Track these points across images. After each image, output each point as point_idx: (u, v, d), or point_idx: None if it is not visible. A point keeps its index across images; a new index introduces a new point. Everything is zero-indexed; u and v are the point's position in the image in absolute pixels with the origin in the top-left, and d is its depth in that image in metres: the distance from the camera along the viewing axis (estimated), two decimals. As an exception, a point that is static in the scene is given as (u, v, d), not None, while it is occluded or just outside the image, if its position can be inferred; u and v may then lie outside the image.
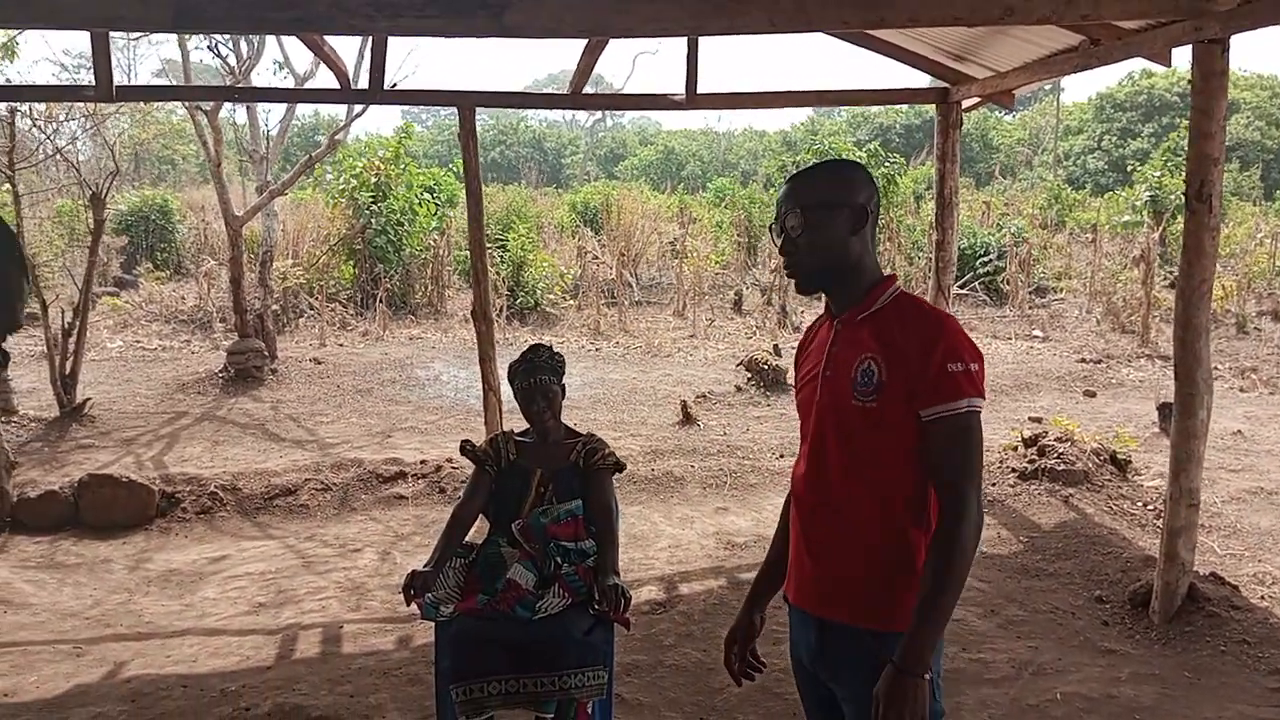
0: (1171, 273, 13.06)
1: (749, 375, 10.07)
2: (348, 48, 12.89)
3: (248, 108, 11.97)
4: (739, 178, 27.25)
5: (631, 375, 10.98)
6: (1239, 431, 8.31)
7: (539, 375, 3.46)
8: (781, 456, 7.49)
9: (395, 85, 7.01)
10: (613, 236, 17.61)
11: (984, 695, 3.93)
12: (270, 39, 11.01)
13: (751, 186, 23.75)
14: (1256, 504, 6.49)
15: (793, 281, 2.17)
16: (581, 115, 53.23)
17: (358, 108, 10.87)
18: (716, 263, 17.10)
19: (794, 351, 2.37)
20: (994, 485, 6.53)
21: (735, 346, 12.50)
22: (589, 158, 45.39)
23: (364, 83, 6.47)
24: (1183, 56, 4.73)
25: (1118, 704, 3.88)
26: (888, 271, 2.16)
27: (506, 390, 3.80)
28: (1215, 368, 10.76)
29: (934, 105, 6.89)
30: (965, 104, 6.78)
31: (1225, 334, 13.18)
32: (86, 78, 10.84)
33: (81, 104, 10.19)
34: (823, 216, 2.06)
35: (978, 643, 4.36)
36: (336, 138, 11.37)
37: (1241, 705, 3.86)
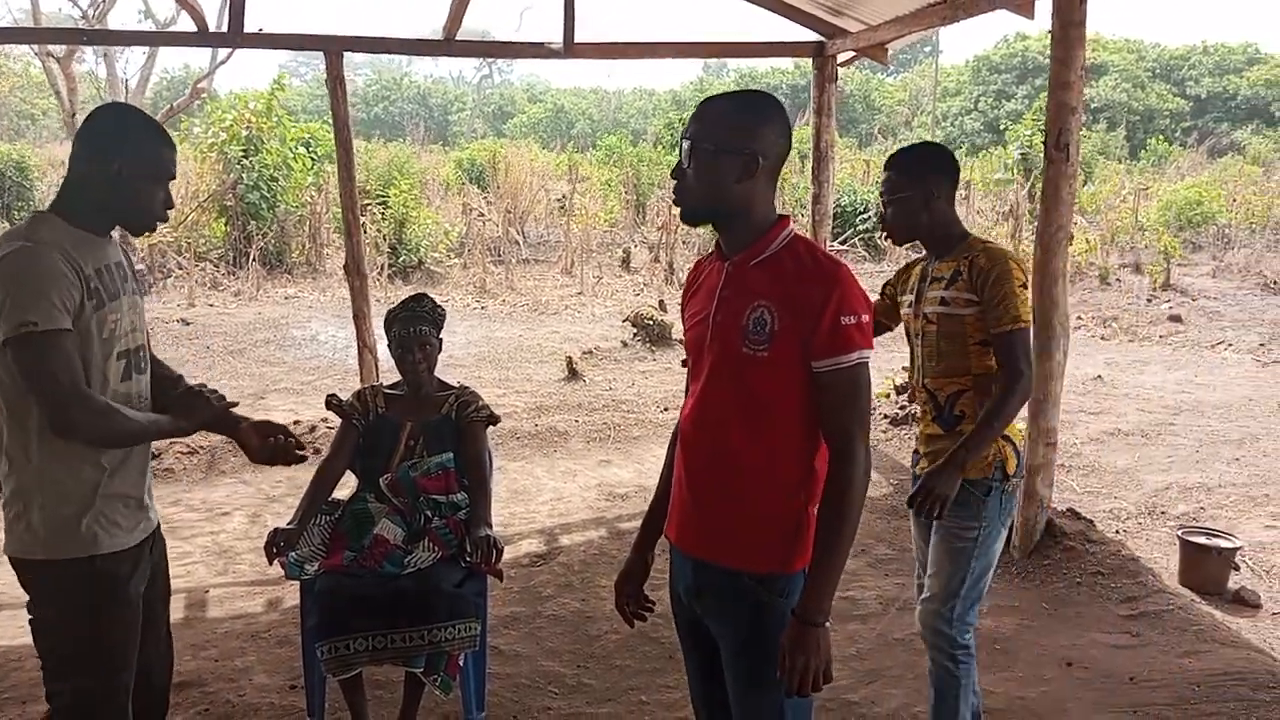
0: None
1: (635, 331, 10.09)
2: (213, -7, 12.28)
3: (106, 59, 11.33)
4: (629, 136, 27.12)
5: (518, 333, 10.88)
6: (1099, 377, 8.73)
7: (418, 325, 3.35)
8: (665, 410, 7.53)
9: (260, 30, 6.69)
10: (500, 194, 17.35)
11: (851, 631, 4.04)
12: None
13: (641, 145, 23.69)
14: (1114, 444, 6.83)
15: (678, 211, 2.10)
16: (468, 71, 52.22)
17: (222, 54, 10.39)
18: (605, 221, 17.04)
19: (680, 306, 2.32)
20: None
21: (623, 303, 12.50)
22: (476, 114, 44.55)
23: (224, 26, 6.15)
24: (1046, 9, 4.85)
25: (979, 635, 3.99)
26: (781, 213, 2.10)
27: (385, 349, 3.68)
28: (1079, 317, 11.34)
29: (810, 60, 6.94)
30: (840, 58, 6.84)
31: (1089, 285, 13.81)
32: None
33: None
34: (710, 159, 1.97)
35: (847, 581, 4.46)
36: (200, 86, 10.84)
37: (1095, 633, 4.06)
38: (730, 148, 1.97)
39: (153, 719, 2.56)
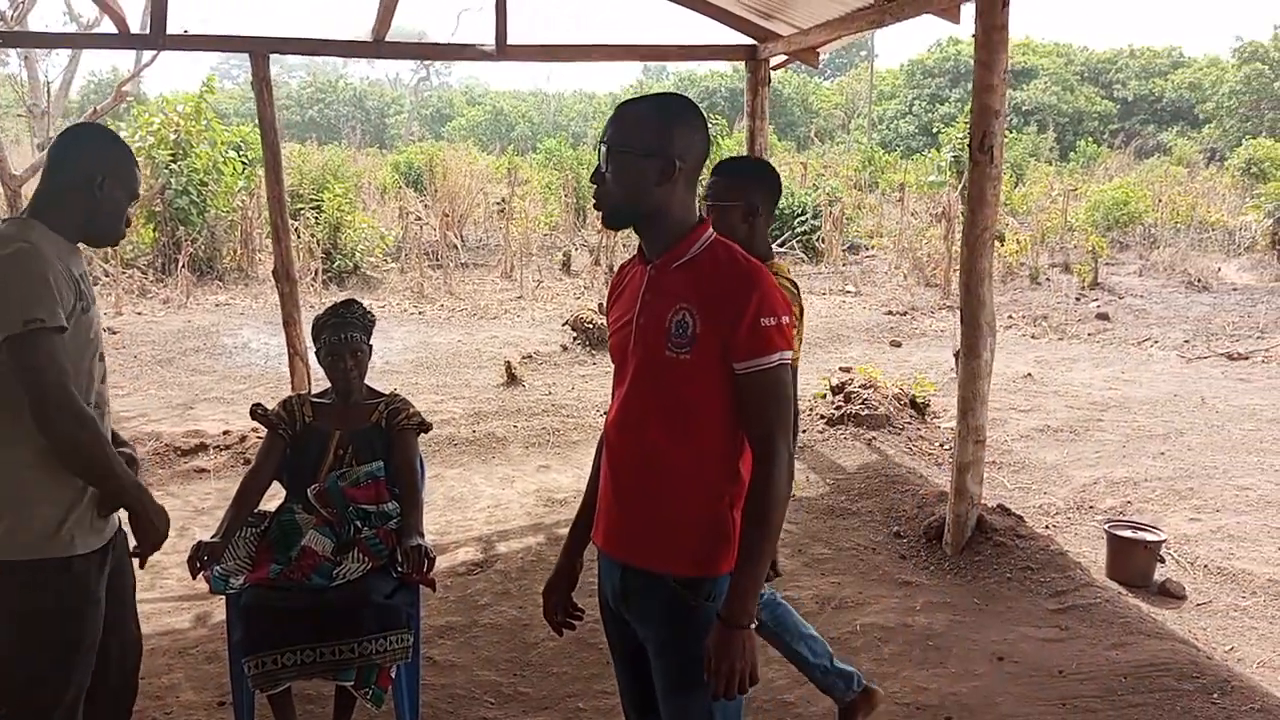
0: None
1: (575, 334, 10.07)
2: (137, -6, 11.98)
3: (27, 61, 11.00)
4: (569, 139, 27.09)
5: (456, 338, 10.78)
6: (1029, 375, 8.91)
7: (348, 331, 3.29)
8: (605, 414, 7.51)
9: (185, 31, 6.54)
10: (438, 198, 17.18)
11: (789, 632, 4.06)
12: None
13: (581, 148, 23.65)
14: (1043, 441, 6.96)
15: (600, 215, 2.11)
16: (406, 74, 51.70)
17: (146, 57, 10.15)
18: (545, 224, 16.98)
19: (605, 311, 2.32)
20: (804, 432, 6.75)
21: (563, 307, 12.45)
22: (414, 118, 44.10)
23: (147, 28, 6.00)
24: (971, 15, 4.93)
25: (913, 632, 4.08)
26: (700, 216, 2.10)
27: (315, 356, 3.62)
28: (1010, 316, 11.57)
29: (744, 63, 6.99)
30: (773, 61, 6.90)
31: (1020, 285, 14.09)
32: None
33: None
34: (627, 162, 1.98)
35: (784, 581, 4.50)
36: (124, 89, 10.59)
37: (1025, 627, 4.13)
38: (649, 150, 1.98)
39: (121, 703, 2.65)
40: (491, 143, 31.86)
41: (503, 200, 16.82)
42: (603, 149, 2.02)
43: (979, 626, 4.14)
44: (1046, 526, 5.31)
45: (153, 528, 2.43)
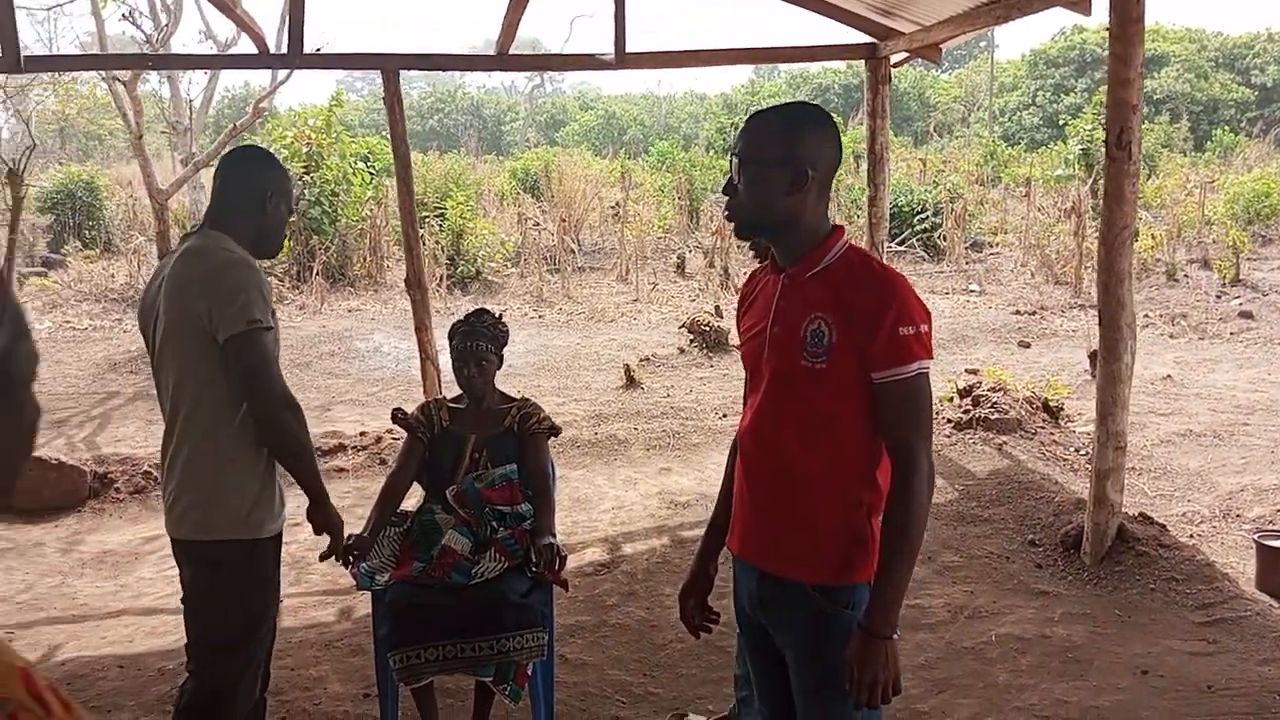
0: (1103, 224, 13.27)
1: (691, 337, 10.10)
2: (269, 14, 12.56)
3: (169, 79, 11.65)
4: (681, 141, 27.15)
5: (575, 341, 10.94)
6: (1169, 376, 8.53)
7: (476, 340, 3.40)
8: (724, 416, 7.53)
9: (318, 50, 6.85)
10: (554, 203, 17.45)
11: (920, 640, 4.00)
12: (190, 6, 10.69)
13: (693, 150, 23.68)
14: (1185, 446, 6.67)
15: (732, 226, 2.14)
16: (520, 81, 52.62)
17: (281, 74, 10.62)
18: (659, 227, 17.05)
19: (735, 319, 2.34)
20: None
21: (678, 309, 12.50)
22: (529, 124, 44.88)
23: (284, 48, 6.30)
24: (1103, 6, 4.78)
25: (1051, 643, 3.97)
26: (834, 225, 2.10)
27: (446, 361, 3.76)
28: (1146, 315, 11.08)
29: (863, 61, 6.90)
30: (893, 59, 6.79)
31: (1156, 282, 13.47)
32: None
33: (-3, 78, 9.83)
34: (758, 174, 1.99)
35: (914, 589, 4.43)
36: (261, 105, 11.10)
37: (1170, 640, 3.98)
38: (779, 161, 1.98)
39: (264, 685, 2.84)
40: (604, 147, 32.17)
41: (617, 204, 16.97)
42: (734, 160, 2.04)
43: (1121, 639, 4.00)
44: (1191, 536, 5.09)
45: (337, 517, 2.73)
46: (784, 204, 2.00)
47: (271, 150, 3.16)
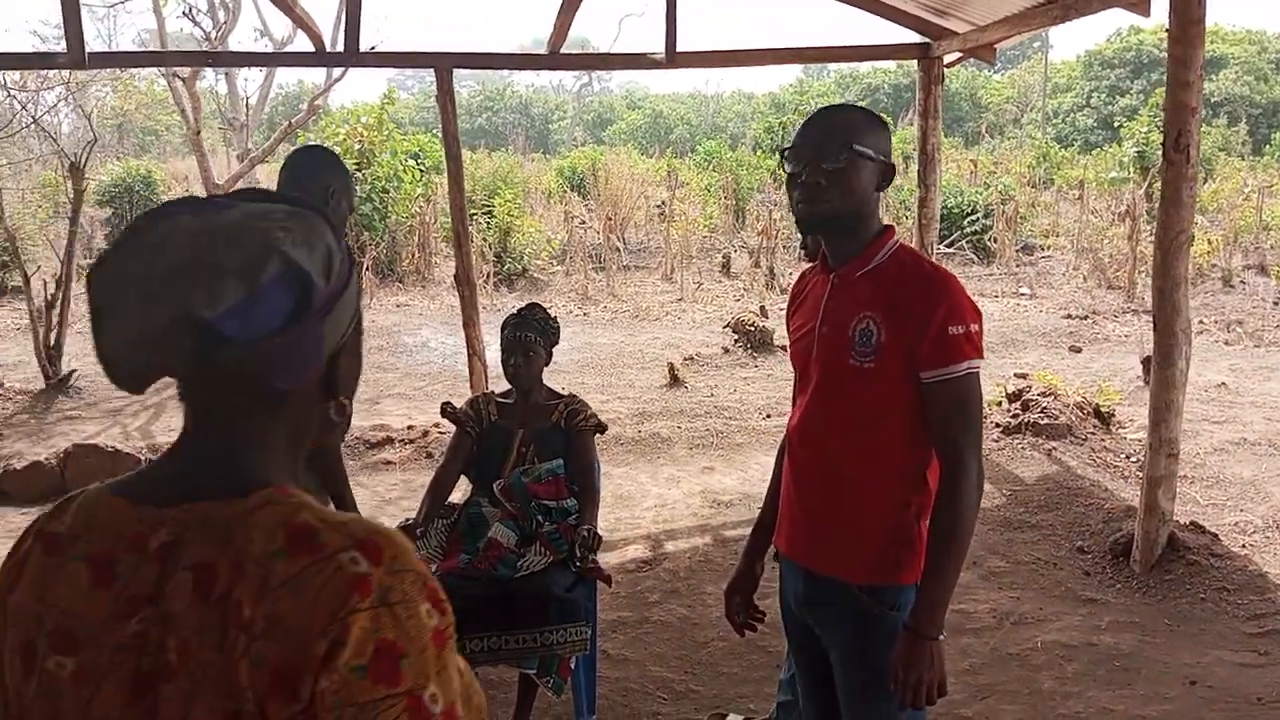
0: (1158, 228, 13.04)
1: (736, 337, 10.08)
2: (324, 12, 12.75)
3: (227, 76, 11.87)
4: (727, 141, 27.04)
5: (619, 339, 10.98)
6: (1223, 384, 8.36)
7: (525, 331, 3.45)
8: (769, 417, 7.52)
9: (373, 48, 6.94)
10: (600, 201, 17.51)
11: (965, 645, 3.98)
12: (248, 5, 10.90)
13: (740, 149, 23.61)
14: (1239, 454, 6.53)
15: (798, 218, 2.04)
16: (568, 80, 52.85)
17: (336, 72, 10.79)
18: (705, 226, 17.03)
19: (782, 312, 2.33)
20: (978, 440, 6.56)
21: (723, 309, 12.48)
22: (576, 123, 45.04)
23: (339, 45, 6.40)
24: (1162, 6, 4.70)
25: (1098, 651, 3.93)
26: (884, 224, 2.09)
27: (492, 356, 3.80)
28: (1201, 321, 10.87)
29: (915, 61, 6.85)
30: (947, 59, 6.73)
31: (1211, 288, 13.20)
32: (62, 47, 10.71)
33: (61, 73, 10.08)
34: (857, 163, 1.94)
35: (960, 594, 4.38)
36: (316, 103, 11.27)
37: (1220, 651, 3.91)
38: (879, 152, 1.99)
39: None
40: (651, 146, 32.17)
41: (662, 203, 16.98)
42: (830, 149, 1.94)
43: (1170, 648, 3.94)
44: (1243, 546, 4.99)
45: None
46: (872, 198, 2.02)
47: (326, 147, 3.31)
